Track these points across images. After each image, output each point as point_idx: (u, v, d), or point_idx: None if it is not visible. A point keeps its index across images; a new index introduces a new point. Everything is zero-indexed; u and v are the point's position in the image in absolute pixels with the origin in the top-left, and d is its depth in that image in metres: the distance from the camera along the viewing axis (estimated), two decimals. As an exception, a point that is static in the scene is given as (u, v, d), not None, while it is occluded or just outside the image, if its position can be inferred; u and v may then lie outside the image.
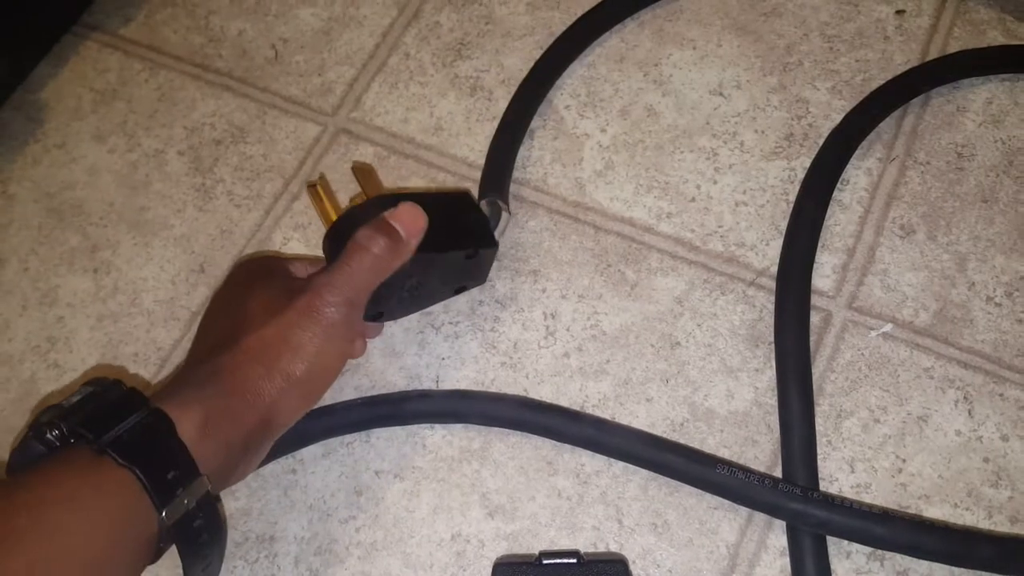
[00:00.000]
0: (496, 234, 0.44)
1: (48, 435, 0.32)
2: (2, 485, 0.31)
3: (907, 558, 0.38)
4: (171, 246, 0.48)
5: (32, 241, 0.49)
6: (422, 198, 0.40)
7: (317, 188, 0.41)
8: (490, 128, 0.49)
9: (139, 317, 0.47)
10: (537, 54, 0.50)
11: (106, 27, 0.56)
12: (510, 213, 0.46)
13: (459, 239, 0.42)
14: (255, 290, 0.38)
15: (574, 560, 0.37)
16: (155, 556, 0.33)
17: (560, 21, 0.52)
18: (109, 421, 0.32)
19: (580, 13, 0.52)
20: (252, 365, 0.36)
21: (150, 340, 0.46)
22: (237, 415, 0.35)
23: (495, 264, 0.46)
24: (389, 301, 0.41)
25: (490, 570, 0.38)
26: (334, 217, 0.40)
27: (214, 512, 0.34)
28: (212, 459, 0.34)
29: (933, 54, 0.50)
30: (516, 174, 0.48)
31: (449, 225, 0.42)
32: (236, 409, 0.35)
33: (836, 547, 0.38)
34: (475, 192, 0.47)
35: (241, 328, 0.37)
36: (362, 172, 0.44)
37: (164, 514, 0.32)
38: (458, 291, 0.45)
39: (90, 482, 0.31)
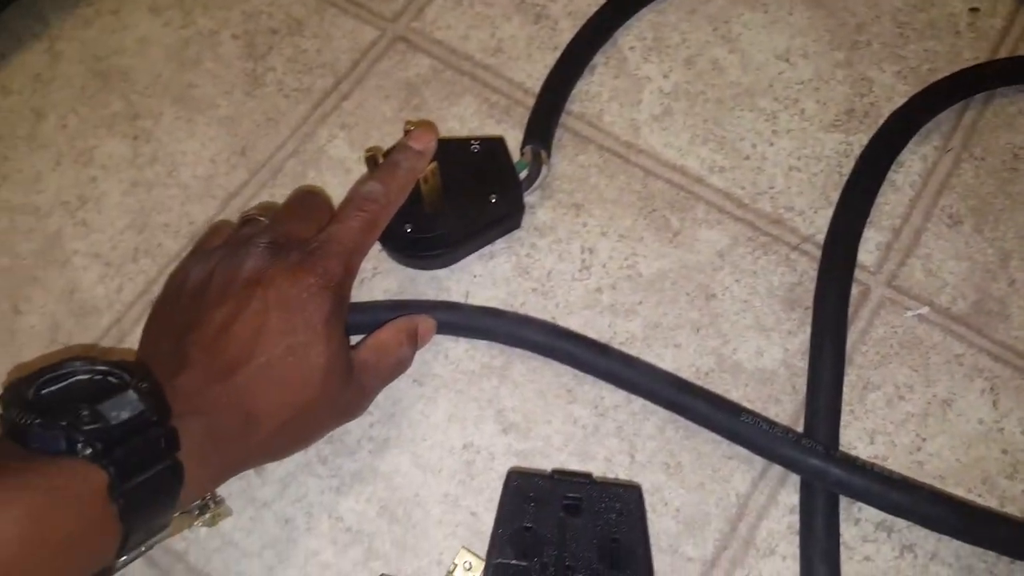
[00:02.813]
0: (535, 183, 0.44)
1: (79, 441, 0.28)
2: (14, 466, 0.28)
3: (914, 532, 0.38)
4: (215, 125, 0.47)
5: (73, 100, 0.48)
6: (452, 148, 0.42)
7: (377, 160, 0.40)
8: (551, 58, 0.49)
9: (174, 189, 0.46)
10: (610, -10, 0.50)
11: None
12: (548, 167, 0.45)
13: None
14: (282, 328, 0.34)
15: (587, 481, 0.37)
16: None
17: (636, -36, 0.51)
18: (138, 466, 0.29)
19: (658, -44, 0.51)
20: (262, 413, 0.33)
21: (183, 213, 0.45)
22: (233, 454, 0.33)
23: (538, 192, 0.45)
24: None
25: (500, 480, 0.38)
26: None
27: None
28: (197, 485, 0.32)
29: (1002, 55, 0.50)
30: (572, 107, 0.48)
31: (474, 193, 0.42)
32: (234, 447, 0.33)
33: (846, 512, 0.38)
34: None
35: (255, 359, 0.33)
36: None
37: (118, 561, 0.30)
38: (495, 211, 0.43)
39: (87, 515, 0.28)
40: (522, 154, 0.45)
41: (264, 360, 0.33)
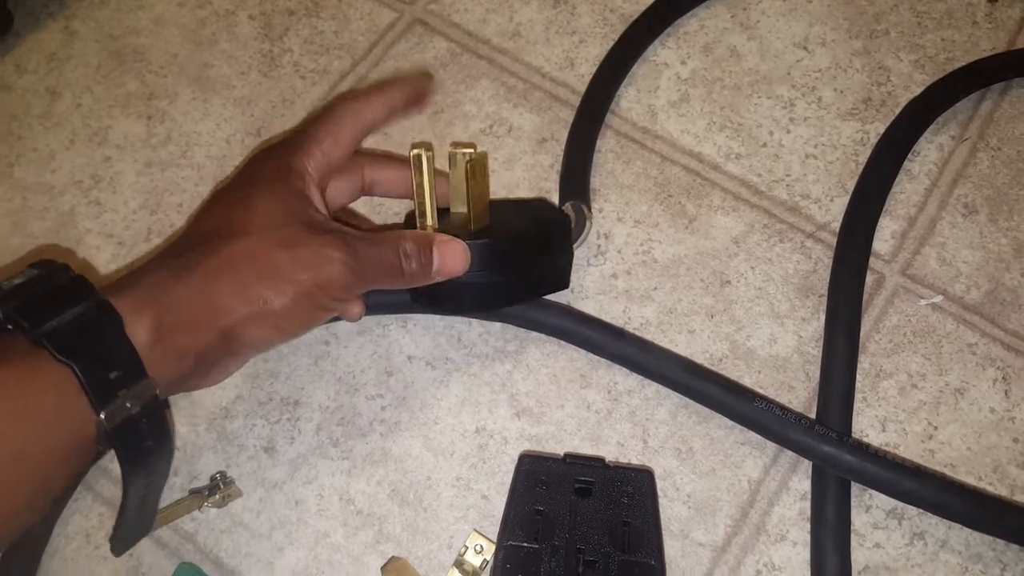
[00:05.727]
0: (579, 239, 0.42)
1: None
2: None
3: (925, 519, 0.38)
4: (230, 106, 0.47)
5: (88, 79, 0.48)
6: (502, 204, 0.40)
7: (422, 157, 0.36)
8: (568, 42, 0.49)
9: (188, 169, 0.46)
10: (629, -25, 0.50)
11: None
12: (591, 222, 0.43)
13: (530, 245, 0.39)
14: (266, 198, 0.34)
15: (599, 465, 0.37)
16: (94, 460, 0.30)
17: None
18: (49, 310, 0.29)
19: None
20: (228, 276, 0.32)
21: (197, 193, 0.45)
22: (196, 327, 0.31)
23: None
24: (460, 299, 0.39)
25: (513, 463, 0.38)
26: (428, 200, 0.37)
27: (161, 419, 0.30)
28: (162, 366, 0.30)
29: (1019, 46, 0.49)
30: (588, 92, 0.47)
31: (527, 230, 0.40)
32: (196, 320, 0.31)
33: (857, 500, 0.38)
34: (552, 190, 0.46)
35: (233, 233, 0.33)
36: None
37: (103, 416, 0.28)
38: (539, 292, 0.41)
39: (21, 375, 0.28)
40: (562, 210, 0.43)
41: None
